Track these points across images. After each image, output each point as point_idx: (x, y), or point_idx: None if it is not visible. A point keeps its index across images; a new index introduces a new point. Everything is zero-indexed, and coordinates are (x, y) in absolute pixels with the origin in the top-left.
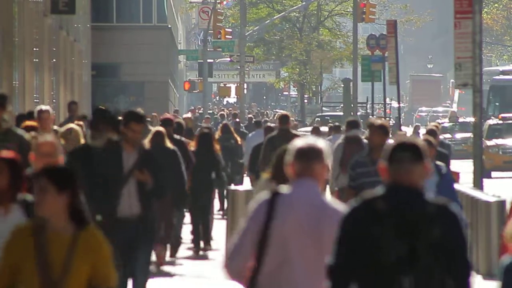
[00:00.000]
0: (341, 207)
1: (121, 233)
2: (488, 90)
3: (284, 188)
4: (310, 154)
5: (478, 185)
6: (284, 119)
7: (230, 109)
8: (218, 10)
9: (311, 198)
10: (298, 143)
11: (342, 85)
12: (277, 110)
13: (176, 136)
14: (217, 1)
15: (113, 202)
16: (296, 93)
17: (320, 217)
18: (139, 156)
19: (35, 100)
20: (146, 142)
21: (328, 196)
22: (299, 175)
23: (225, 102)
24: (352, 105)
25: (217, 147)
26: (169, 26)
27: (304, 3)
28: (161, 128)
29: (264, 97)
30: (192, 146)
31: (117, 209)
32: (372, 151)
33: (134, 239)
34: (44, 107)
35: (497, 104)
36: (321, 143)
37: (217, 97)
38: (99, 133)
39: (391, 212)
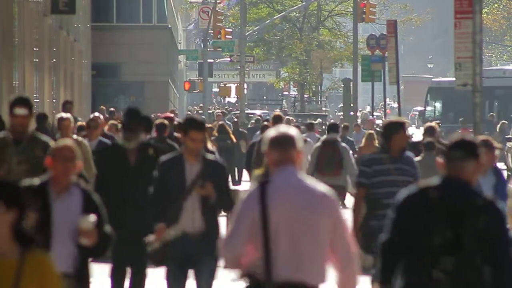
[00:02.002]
0: (327, 189)
1: (182, 248)
2: (426, 92)
3: (270, 178)
4: (284, 142)
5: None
6: (277, 119)
7: (230, 108)
8: (218, 10)
9: (295, 183)
10: (271, 133)
11: (342, 85)
12: (276, 110)
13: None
14: (217, 1)
15: (174, 216)
16: (296, 93)
17: (309, 200)
18: (202, 168)
19: (35, 100)
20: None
21: (309, 178)
22: (278, 163)
23: (226, 102)
24: (352, 105)
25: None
26: (169, 26)
27: (304, 3)
28: None
29: (264, 97)
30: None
31: (178, 223)
32: (391, 149)
33: (195, 256)
34: (64, 115)
35: (435, 106)
36: (292, 130)
37: (217, 97)
38: (133, 134)
39: (442, 200)
